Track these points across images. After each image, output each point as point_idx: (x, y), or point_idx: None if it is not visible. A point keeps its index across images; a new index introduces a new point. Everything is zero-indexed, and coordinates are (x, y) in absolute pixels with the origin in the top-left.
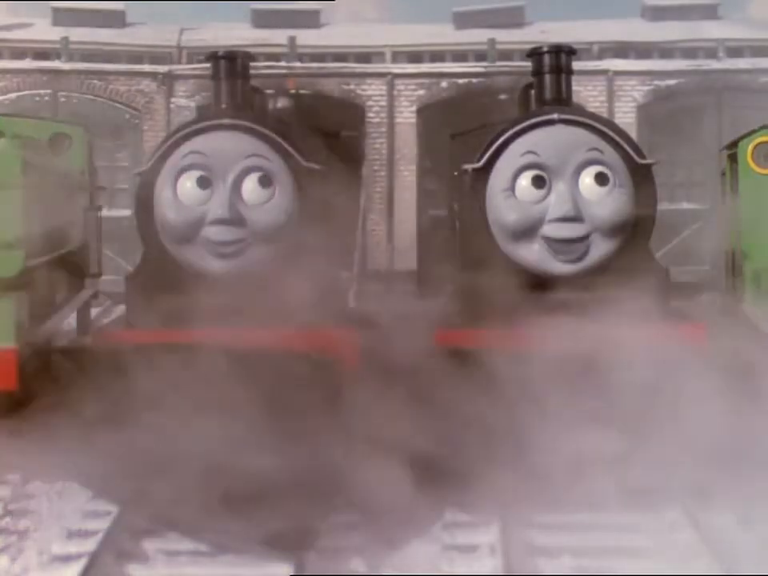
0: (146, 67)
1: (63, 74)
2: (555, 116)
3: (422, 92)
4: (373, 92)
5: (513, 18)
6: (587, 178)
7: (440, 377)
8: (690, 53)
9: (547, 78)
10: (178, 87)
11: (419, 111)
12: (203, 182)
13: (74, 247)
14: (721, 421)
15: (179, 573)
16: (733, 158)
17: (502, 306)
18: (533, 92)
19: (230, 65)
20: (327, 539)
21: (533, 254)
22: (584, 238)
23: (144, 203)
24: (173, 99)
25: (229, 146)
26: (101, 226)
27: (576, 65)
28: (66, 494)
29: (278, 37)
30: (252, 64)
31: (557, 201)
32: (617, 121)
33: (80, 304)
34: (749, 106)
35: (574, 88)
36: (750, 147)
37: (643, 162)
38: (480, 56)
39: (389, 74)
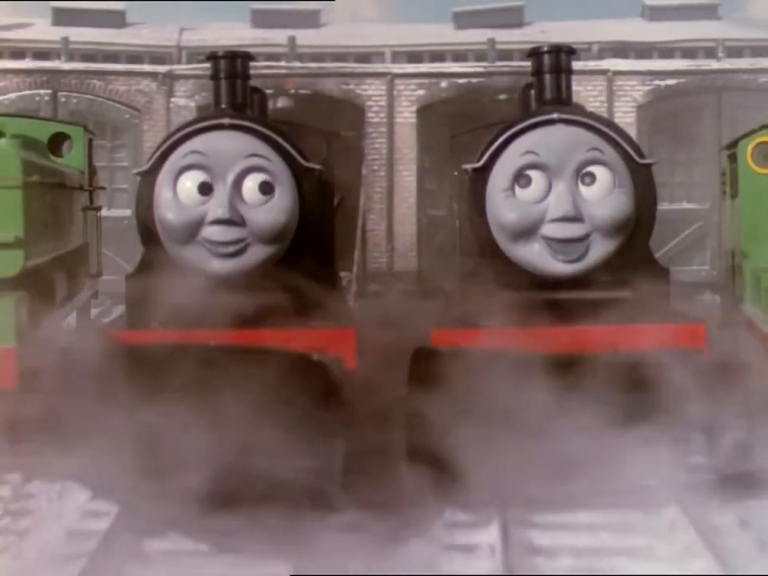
0: (146, 67)
1: (63, 74)
2: (555, 116)
3: (421, 92)
4: (372, 92)
5: (513, 18)
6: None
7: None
8: (689, 53)
9: (547, 77)
10: (177, 87)
11: (419, 111)
12: (203, 186)
13: (73, 247)
14: None
15: (179, 573)
16: (733, 158)
17: (502, 306)
18: (533, 92)
19: (230, 65)
20: (327, 539)
21: (532, 254)
22: (584, 238)
23: (144, 203)
24: (173, 99)
25: (229, 145)
26: (101, 225)
27: (576, 65)
28: (66, 493)
29: (278, 37)
30: (252, 64)
31: (557, 201)
32: (617, 121)
33: (80, 304)
34: (749, 106)
35: (574, 88)
36: (750, 147)
37: (643, 161)
38: (480, 56)
39: (388, 73)
